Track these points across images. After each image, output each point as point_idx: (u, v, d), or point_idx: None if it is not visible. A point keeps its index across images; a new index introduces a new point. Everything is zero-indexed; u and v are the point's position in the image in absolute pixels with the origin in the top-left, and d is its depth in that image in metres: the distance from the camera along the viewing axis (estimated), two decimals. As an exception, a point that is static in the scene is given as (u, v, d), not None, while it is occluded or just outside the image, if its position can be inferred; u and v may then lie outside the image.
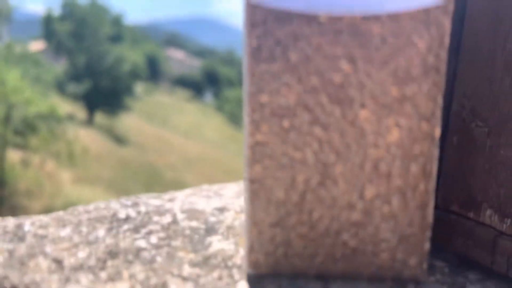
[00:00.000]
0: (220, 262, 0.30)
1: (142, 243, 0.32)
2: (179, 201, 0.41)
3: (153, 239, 0.33)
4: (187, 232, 0.34)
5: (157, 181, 10.82)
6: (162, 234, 0.33)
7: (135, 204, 0.40)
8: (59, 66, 17.04)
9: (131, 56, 18.60)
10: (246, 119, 0.26)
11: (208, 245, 0.32)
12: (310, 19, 0.24)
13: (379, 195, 0.26)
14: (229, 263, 0.30)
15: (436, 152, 0.25)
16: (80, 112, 16.89)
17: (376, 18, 0.24)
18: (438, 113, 0.25)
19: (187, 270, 0.29)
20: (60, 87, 15.83)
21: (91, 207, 0.39)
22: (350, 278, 0.28)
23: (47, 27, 17.89)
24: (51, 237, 0.33)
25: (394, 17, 0.23)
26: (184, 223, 0.35)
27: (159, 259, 0.30)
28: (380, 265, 0.27)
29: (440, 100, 0.25)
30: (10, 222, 0.35)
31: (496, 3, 0.26)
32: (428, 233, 0.27)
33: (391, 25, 0.24)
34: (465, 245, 0.29)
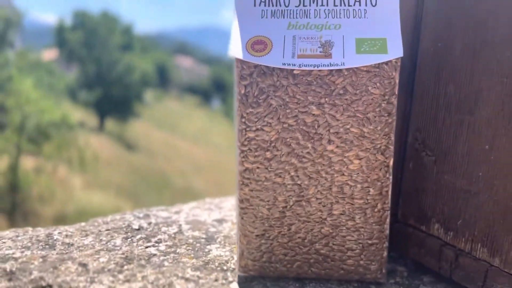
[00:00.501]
0: (217, 266, 0.36)
1: (152, 250, 0.38)
2: (184, 213, 0.47)
3: (162, 247, 0.39)
4: (190, 240, 0.40)
5: (166, 186, 10.89)
6: (169, 243, 0.40)
7: (146, 216, 0.46)
8: (71, 74, 17.25)
9: (141, 64, 18.78)
10: (237, 150, 0.32)
11: (208, 252, 0.38)
12: (287, 73, 0.30)
13: (345, 213, 0.32)
14: (225, 267, 0.36)
15: (390, 178, 0.31)
16: (91, 119, 17.08)
17: (338, 72, 0.30)
18: (391, 147, 0.31)
19: (189, 273, 0.35)
20: (72, 95, 16.04)
21: (108, 218, 0.45)
22: (323, 280, 0.34)
23: (59, 36, 18.17)
24: (77, 245, 0.39)
25: (354, 72, 0.30)
26: (188, 233, 0.42)
27: (166, 263, 0.36)
28: (347, 270, 0.33)
29: (392, 137, 0.31)
30: (41, 232, 0.42)
31: (438, 57, 0.32)
32: (386, 244, 0.32)
33: (351, 78, 0.30)
34: (419, 253, 0.34)
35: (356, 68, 0.29)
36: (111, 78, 16.35)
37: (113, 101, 16.23)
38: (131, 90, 16.91)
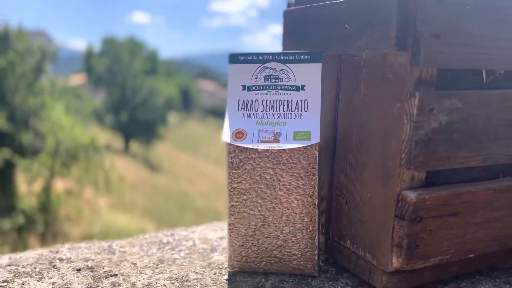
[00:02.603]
0: (216, 266, 0.57)
1: (176, 256, 0.60)
2: (197, 232, 0.69)
3: (182, 253, 0.61)
4: (201, 250, 0.62)
5: (188, 207, 11.10)
6: (186, 251, 0.61)
7: (172, 234, 0.68)
8: (98, 98, 17.84)
9: (165, 88, 19.26)
10: (226, 194, 0.54)
11: (211, 257, 0.60)
12: (255, 150, 0.52)
13: (290, 232, 0.53)
14: (221, 267, 0.57)
15: (316, 211, 0.52)
16: (116, 141, 17.53)
17: (283, 150, 0.51)
18: (316, 193, 0.52)
19: (198, 269, 0.56)
20: (98, 118, 16.58)
21: (147, 235, 0.67)
22: (279, 274, 0.55)
23: (87, 62, 18.88)
24: (128, 252, 0.61)
25: (292, 150, 0.51)
26: (199, 246, 0.63)
27: (185, 263, 0.58)
28: (293, 267, 0.54)
29: (316, 187, 0.52)
30: (104, 243, 0.64)
31: (345, 141, 0.53)
32: (316, 251, 0.53)
33: (290, 154, 0.51)
34: (340, 258, 0.55)
35: (293, 148, 0.51)
36: (136, 102, 16.86)
37: (138, 124, 16.72)
38: (155, 113, 17.38)
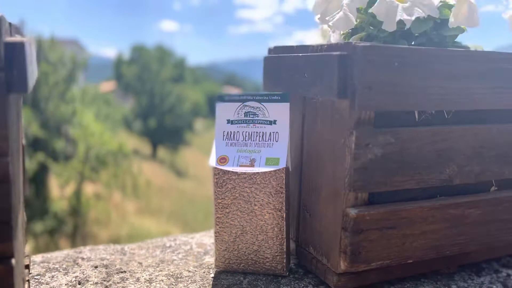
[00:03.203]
0: (206, 266, 0.70)
1: (174, 257, 0.73)
2: (196, 238, 0.82)
3: (180, 255, 0.74)
4: (195, 253, 0.75)
5: (213, 212, 11.22)
6: (184, 254, 0.74)
7: (174, 239, 0.81)
8: (127, 105, 18.30)
9: (192, 95, 19.57)
10: (213, 208, 0.67)
11: (203, 259, 0.73)
12: (234, 173, 0.64)
13: (263, 239, 0.65)
14: (210, 267, 0.70)
15: (284, 224, 0.64)
16: (144, 147, 17.90)
17: (257, 173, 0.64)
18: (284, 208, 0.64)
19: (191, 269, 0.69)
20: (127, 124, 17.02)
21: (153, 240, 0.81)
22: (255, 274, 0.67)
23: (117, 69, 19.41)
24: (136, 253, 0.75)
25: (264, 173, 0.64)
26: (195, 249, 0.76)
27: (181, 264, 0.71)
28: (267, 268, 0.66)
29: (284, 203, 0.64)
30: (118, 246, 0.78)
31: (301, 166, 0.65)
32: (285, 256, 0.65)
33: (263, 176, 0.64)
34: (305, 262, 0.67)
35: (265, 172, 0.64)
36: (164, 109, 17.23)
37: (165, 130, 17.08)
38: (182, 120, 17.72)
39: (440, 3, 0.64)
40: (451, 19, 0.64)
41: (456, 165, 0.62)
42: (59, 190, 7.33)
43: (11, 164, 0.40)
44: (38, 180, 6.92)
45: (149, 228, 8.75)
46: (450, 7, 0.65)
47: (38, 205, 6.70)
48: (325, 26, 0.75)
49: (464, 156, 0.62)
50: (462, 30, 0.65)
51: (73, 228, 7.06)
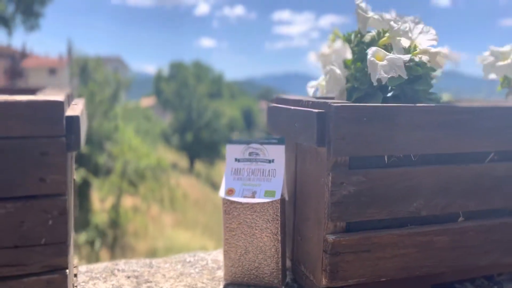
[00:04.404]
0: (217, 279, 0.85)
1: (192, 271, 0.88)
2: (212, 255, 0.97)
3: (197, 269, 0.88)
4: (210, 268, 0.89)
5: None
6: (200, 268, 0.89)
7: (194, 255, 0.96)
8: (166, 120, 18.86)
9: (229, 110, 19.92)
10: (222, 230, 0.81)
11: (215, 273, 0.87)
12: (239, 203, 0.79)
13: (263, 258, 0.79)
14: (220, 280, 0.84)
15: (280, 245, 0.78)
16: (182, 160, 18.31)
17: (257, 203, 0.78)
18: (279, 232, 0.78)
19: (205, 281, 0.84)
20: (166, 139, 17.52)
21: (177, 256, 0.96)
22: (257, 286, 0.80)
23: (157, 85, 20.07)
24: (162, 267, 0.90)
25: (263, 203, 0.78)
26: (210, 264, 0.91)
27: (196, 276, 0.85)
28: (266, 282, 0.80)
29: (279, 228, 0.78)
30: (147, 260, 0.94)
31: (298, 195, 0.79)
32: (281, 272, 0.79)
33: (262, 205, 0.78)
34: (299, 278, 0.80)
35: (264, 202, 0.78)
36: (200, 124, 17.65)
37: (202, 144, 17.45)
38: (218, 134, 18.06)
39: (413, 63, 0.77)
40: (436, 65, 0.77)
41: (423, 199, 0.74)
42: (99, 203, 7.70)
43: (68, 201, 0.57)
44: (82, 193, 7.31)
45: (185, 241, 8.98)
46: (423, 65, 0.78)
47: (81, 217, 7.07)
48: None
49: (430, 191, 0.74)
50: (431, 86, 0.78)
51: (112, 240, 7.38)
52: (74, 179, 0.75)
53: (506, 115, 0.76)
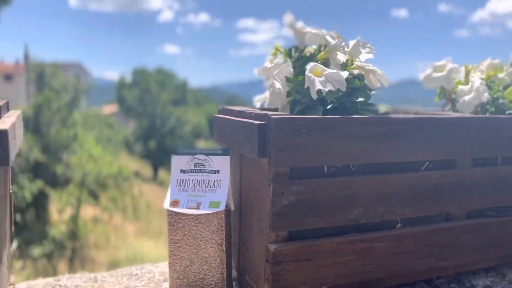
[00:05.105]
0: None
1: (138, 284, 0.87)
2: (160, 267, 0.96)
3: (143, 282, 0.87)
4: (156, 280, 0.89)
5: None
6: (147, 281, 0.88)
7: (141, 268, 0.95)
8: (129, 128, 18.52)
9: (193, 117, 19.78)
10: (167, 242, 0.81)
11: (162, 286, 0.86)
12: (184, 214, 0.79)
13: (208, 269, 0.79)
14: None
15: (225, 256, 0.78)
16: (145, 169, 17.99)
17: (202, 214, 0.78)
18: (224, 242, 0.78)
19: None
20: (128, 147, 17.18)
21: (123, 269, 0.95)
22: None
23: (119, 92, 19.69)
24: (107, 281, 0.88)
25: (208, 214, 0.78)
26: (157, 277, 0.90)
27: None
28: None
29: (224, 239, 0.78)
30: (91, 274, 0.92)
31: (245, 201, 0.80)
32: (226, 282, 0.79)
33: (207, 216, 0.78)
34: (245, 287, 0.81)
35: (209, 213, 0.78)
36: (164, 131, 17.43)
37: (166, 152, 17.23)
38: (183, 142, 17.90)
39: (351, 76, 0.80)
40: (368, 83, 0.79)
41: (362, 207, 0.76)
42: (58, 215, 7.45)
43: (-3, 217, 0.55)
44: (39, 205, 7.06)
45: (148, 250, 8.80)
46: (361, 78, 0.81)
47: (38, 229, 6.82)
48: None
49: (369, 200, 0.76)
50: (369, 97, 0.81)
51: (71, 252, 7.15)
52: (11, 193, 0.73)
53: (439, 126, 0.80)
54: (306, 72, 0.73)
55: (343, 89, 0.76)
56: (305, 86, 0.73)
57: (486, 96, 0.90)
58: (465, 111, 0.93)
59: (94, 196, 7.98)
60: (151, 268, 0.95)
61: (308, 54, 0.81)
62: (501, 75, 0.97)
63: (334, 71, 0.74)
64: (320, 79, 0.75)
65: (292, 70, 0.83)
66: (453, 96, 0.97)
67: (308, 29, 0.79)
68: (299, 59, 0.81)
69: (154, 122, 17.33)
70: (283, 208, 0.71)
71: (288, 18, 0.80)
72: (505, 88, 0.95)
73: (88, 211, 8.21)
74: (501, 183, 0.88)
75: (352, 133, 0.73)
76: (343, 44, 0.78)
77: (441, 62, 0.96)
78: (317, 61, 0.77)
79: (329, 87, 0.75)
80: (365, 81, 0.77)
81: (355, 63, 0.79)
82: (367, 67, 0.77)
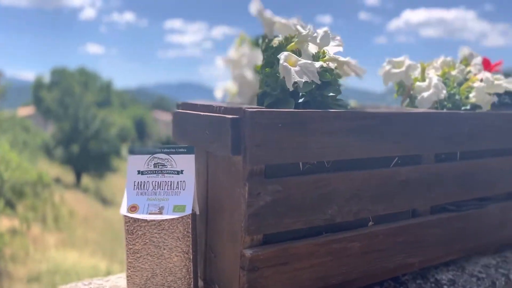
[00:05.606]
0: None
1: None
2: (111, 281, 0.86)
3: None
4: None
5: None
6: None
7: (89, 283, 0.84)
8: (48, 131, 17.35)
9: (119, 120, 19.01)
10: (125, 253, 0.72)
11: None
12: (144, 220, 0.70)
13: (172, 280, 0.71)
14: None
15: (191, 265, 0.71)
16: (67, 175, 16.98)
17: (165, 220, 0.70)
18: (191, 251, 0.71)
19: None
20: (48, 152, 16.09)
21: (68, 285, 0.84)
22: None
23: (36, 93, 18.42)
24: None
25: (172, 220, 0.70)
26: None
27: None
28: None
29: (191, 246, 0.71)
30: (72, 285, 0.80)
31: (213, 204, 0.73)
32: None
33: (171, 222, 0.70)
34: None
35: (173, 218, 0.70)
36: (88, 134, 16.56)
37: (90, 156, 16.37)
38: (108, 145, 17.10)
39: (322, 69, 0.76)
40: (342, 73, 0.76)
41: (337, 206, 0.73)
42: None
43: None
44: None
45: (73, 263, 8.27)
46: (331, 71, 0.77)
47: None
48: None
49: (343, 198, 0.73)
50: (339, 92, 0.78)
51: (-15, 267, 6.50)
52: None
53: (408, 121, 0.79)
54: (281, 61, 0.68)
55: (318, 81, 0.72)
56: (281, 76, 0.68)
57: (444, 92, 0.92)
58: (424, 107, 0.94)
59: (10, 205, 7.34)
60: (101, 283, 0.85)
61: (276, 45, 0.77)
62: (454, 72, 0.99)
63: (309, 61, 0.70)
64: (295, 69, 0.71)
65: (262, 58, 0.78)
66: (411, 92, 0.97)
67: (277, 18, 0.75)
68: (267, 49, 0.76)
69: (76, 125, 16.39)
70: (259, 210, 0.65)
71: (255, 5, 0.74)
72: (459, 84, 0.98)
73: (4, 222, 7.54)
74: (461, 178, 0.89)
75: (326, 128, 0.69)
76: (315, 35, 0.74)
77: (400, 59, 0.96)
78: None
79: (305, 78, 0.71)
80: (340, 73, 0.74)
81: (327, 55, 0.75)
82: (341, 59, 0.74)
